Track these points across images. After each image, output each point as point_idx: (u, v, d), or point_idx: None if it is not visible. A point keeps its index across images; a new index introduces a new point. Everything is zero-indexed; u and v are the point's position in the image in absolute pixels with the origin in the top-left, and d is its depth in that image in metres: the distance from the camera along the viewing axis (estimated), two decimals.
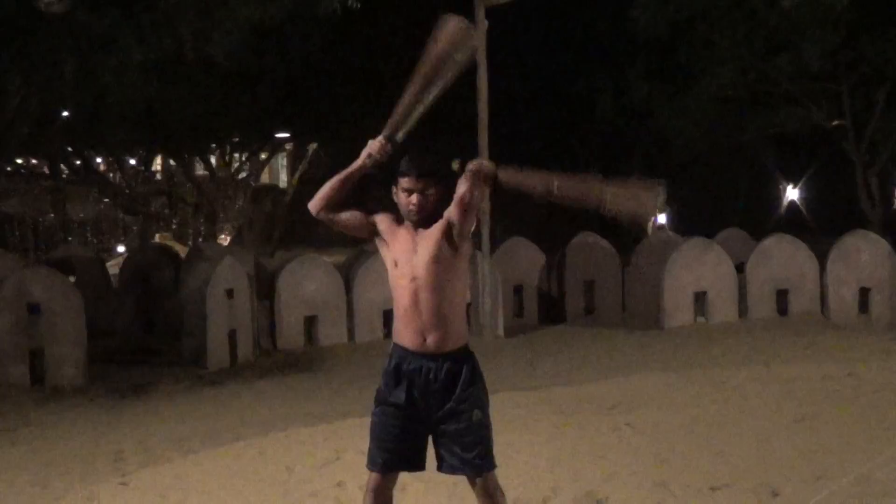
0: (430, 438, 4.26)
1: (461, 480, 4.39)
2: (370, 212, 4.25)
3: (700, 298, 13.46)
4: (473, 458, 4.16)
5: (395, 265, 4.18)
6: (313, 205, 4.20)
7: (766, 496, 5.66)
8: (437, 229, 4.14)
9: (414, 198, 4.11)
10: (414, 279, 4.13)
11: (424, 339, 4.14)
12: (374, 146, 4.12)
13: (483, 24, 13.41)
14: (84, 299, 11.24)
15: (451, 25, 4.06)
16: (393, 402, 4.19)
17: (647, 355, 11.46)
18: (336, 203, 4.19)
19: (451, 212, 4.09)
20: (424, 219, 4.15)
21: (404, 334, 4.19)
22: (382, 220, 4.24)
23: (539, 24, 24.27)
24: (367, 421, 4.33)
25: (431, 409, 4.16)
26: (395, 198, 4.21)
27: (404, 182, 4.12)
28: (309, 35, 19.91)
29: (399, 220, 4.22)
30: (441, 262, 4.12)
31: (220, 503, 5.97)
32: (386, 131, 4.11)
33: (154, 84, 18.26)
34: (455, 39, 4.06)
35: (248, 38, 17.87)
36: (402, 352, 4.20)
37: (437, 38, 4.06)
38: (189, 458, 7.10)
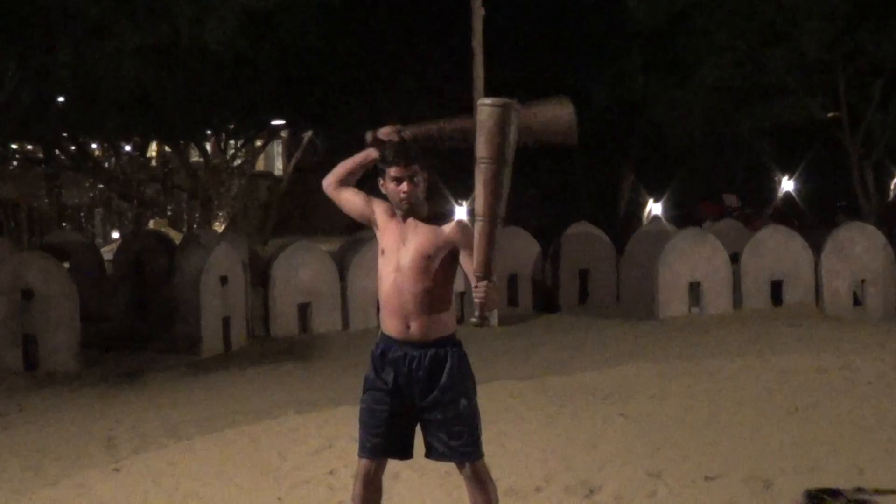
0: (417, 427, 4.25)
1: (453, 469, 4.39)
2: (371, 198, 4.29)
3: (694, 289, 13.45)
4: (460, 445, 4.16)
5: (382, 253, 4.22)
6: (326, 181, 4.34)
7: (759, 486, 5.66)
8: (434, 231, 4.14)
9: (404, 185, 4.11)
10: (398, 269, 4.16)
11: (408, 328, 4.18)
12: (384, 131, 4.16)
13: (479, 11, 13.40)
14: (78, 285, 11.22)
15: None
16: (380, 386, 4.20)
17: (641, 345, 11.45)
18: (346, 183, 4.32)
19: (463, 245, 4.10)
20: (415, 207, 4.16)
21: (389, 322, 4.25)
22: (379, 212, 4.25)
23: (535, 14, 24.20)
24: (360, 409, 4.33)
25: (416, 397, 4.17)
26: (382, 189, 4.21)
27: (393, 171, 4.12)
28: (305, 23, 19.88)
29: (393, 212, 4.23)
30: (427, 258, 4.14)
31: (212, 490, 5.96)
32: (405, 131, 4.15)
33: (149, 70, 18.24)
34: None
35: (244, 26, 17.85)
36: (388, 340, 4.24)
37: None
38: (182, 445, 7.09)
